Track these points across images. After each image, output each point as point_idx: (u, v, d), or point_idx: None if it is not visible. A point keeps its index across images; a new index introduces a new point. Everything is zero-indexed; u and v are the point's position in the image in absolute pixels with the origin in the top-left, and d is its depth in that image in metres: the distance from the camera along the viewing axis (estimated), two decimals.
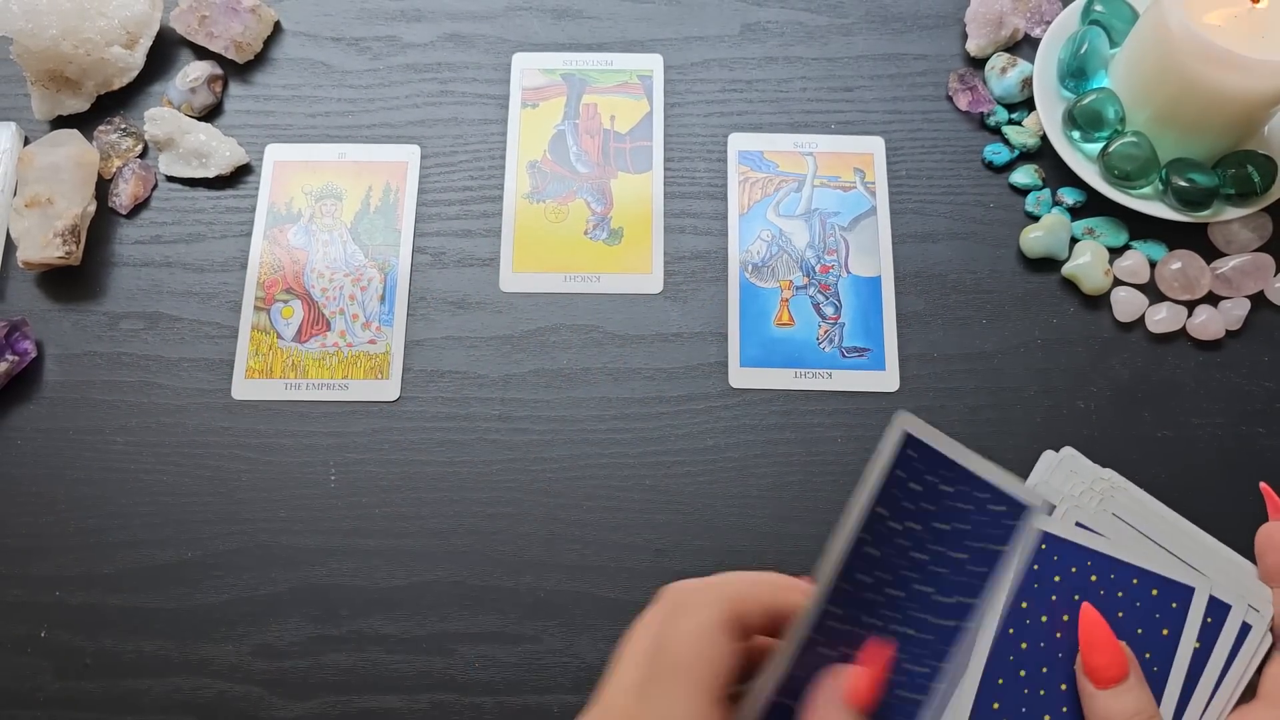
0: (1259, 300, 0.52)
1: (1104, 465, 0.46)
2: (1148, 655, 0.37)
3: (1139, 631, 0.38)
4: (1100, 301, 0.52)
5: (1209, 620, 0.38)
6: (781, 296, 0.52)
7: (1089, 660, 0.36)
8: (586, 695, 0.46)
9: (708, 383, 0.51)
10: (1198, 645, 0.38)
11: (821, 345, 0.51)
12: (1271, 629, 0.39)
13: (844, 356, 0.51)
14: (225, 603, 0.47)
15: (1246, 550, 0.43)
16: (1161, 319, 0.51)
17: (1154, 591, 0.38)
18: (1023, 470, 0.49)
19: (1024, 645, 0.37)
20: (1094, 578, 0.38)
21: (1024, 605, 0.38)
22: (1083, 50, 0.53)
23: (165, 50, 0.58)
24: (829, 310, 0.52)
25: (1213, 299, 0.52)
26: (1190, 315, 0.52)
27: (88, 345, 0.52)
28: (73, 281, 0.53)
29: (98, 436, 0.50)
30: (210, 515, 0.49)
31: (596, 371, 0.51)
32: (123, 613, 0.47)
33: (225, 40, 0.56)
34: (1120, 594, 0.38)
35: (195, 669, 0.46)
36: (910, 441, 0.31)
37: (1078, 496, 0.41)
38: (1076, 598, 0.38)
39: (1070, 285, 0.53)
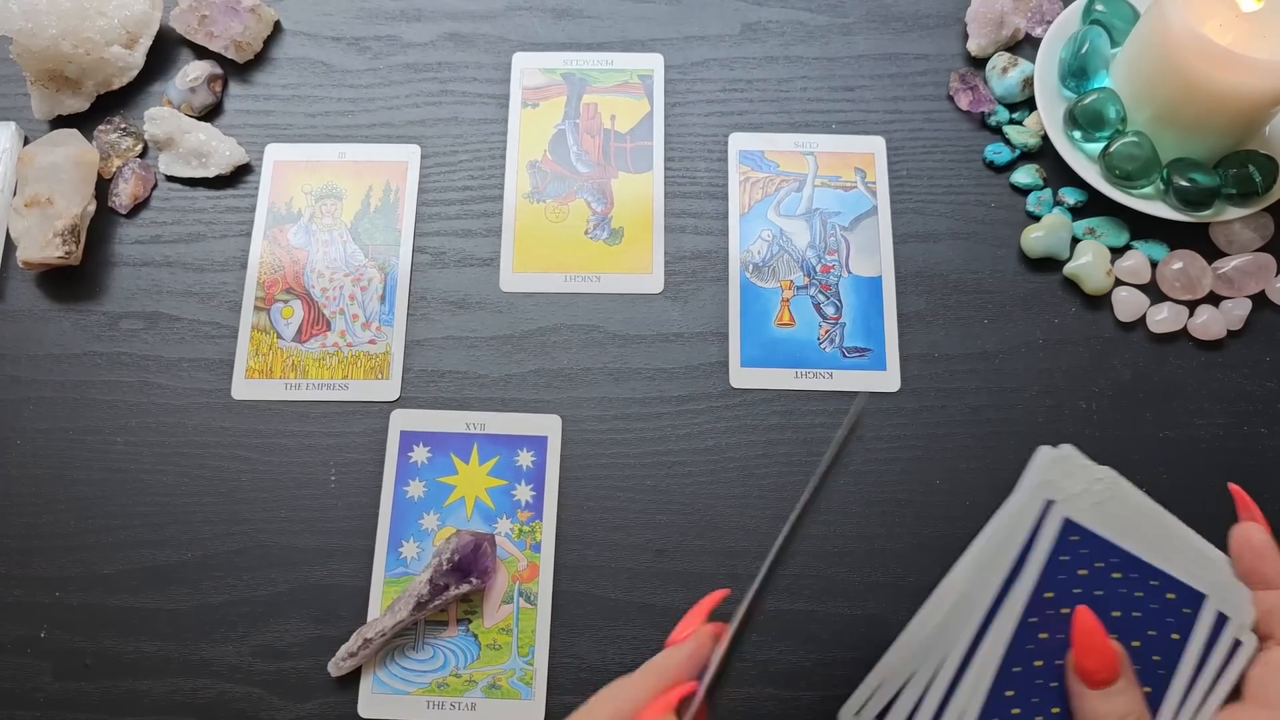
0: (1260, 300, 0.52)
1: (1106, 465, 0.46)
2: (1156, 658, 0.37)
3: (1151, 633, 0.37)
4: (1101, 301, 0.52)
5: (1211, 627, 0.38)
6: (782, 296, 0.52)
7: (1081, 663, 0.36)
8: (588, 695, 0.46)
9: (708, 383, 0.51)
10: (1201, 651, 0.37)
11: (822, 345, 0.51)
12: (1254, 629, 0.39)
13: (845, 356, 0.51)
14: (225, 603, 0.47)
15: None
16: (1163, 319, 0.51)
17: (1169, 595, 0.38)
18: (1021, 469, 0.49)
19: (1043, 635, 0.37)
20: (1117, 574, 0.37)
21: (1048, 595, 0.37)
22: (1084, 50, 0.53)
23: (165, 50, 0.58)
24: (830, 310, 0.52)
25: (1214, 299, 0.52)
26: (1191, 315, 0.52)
27: (88, 345, 0.52)
28: (72, 281, 0.53)
29: (98, 436, 0.50)
30: (210, 515, 0.48)
31: (596, 371, 0.51)
32: (123, 613, 0.47)
33: (225, 40, 0.56)
34: (1139, 594, 0.37)
35: (195, 669, 0.46)
36: (1070, 526, 0.32)
37: (1077, 495, 0.41)
38: (1099, 593, 0.37)
39: (1071, 285, 0.52)
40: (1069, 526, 0.38)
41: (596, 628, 0.47)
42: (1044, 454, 0.42)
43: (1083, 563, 0.37)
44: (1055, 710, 0.37)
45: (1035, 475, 0.39)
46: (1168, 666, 0.37)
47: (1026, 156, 0.55)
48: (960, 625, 0.37)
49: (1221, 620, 0.38)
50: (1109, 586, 0.37)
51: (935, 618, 0.38)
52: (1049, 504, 0.38)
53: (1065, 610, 0.37)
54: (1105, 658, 0.36)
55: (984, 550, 0.38)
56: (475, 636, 0.47)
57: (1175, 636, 0.37)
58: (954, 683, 0.37)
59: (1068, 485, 0.39)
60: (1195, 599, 0.38)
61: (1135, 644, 0.37)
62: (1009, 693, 0.36)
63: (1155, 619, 0.37)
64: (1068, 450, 0.42)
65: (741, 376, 0.51)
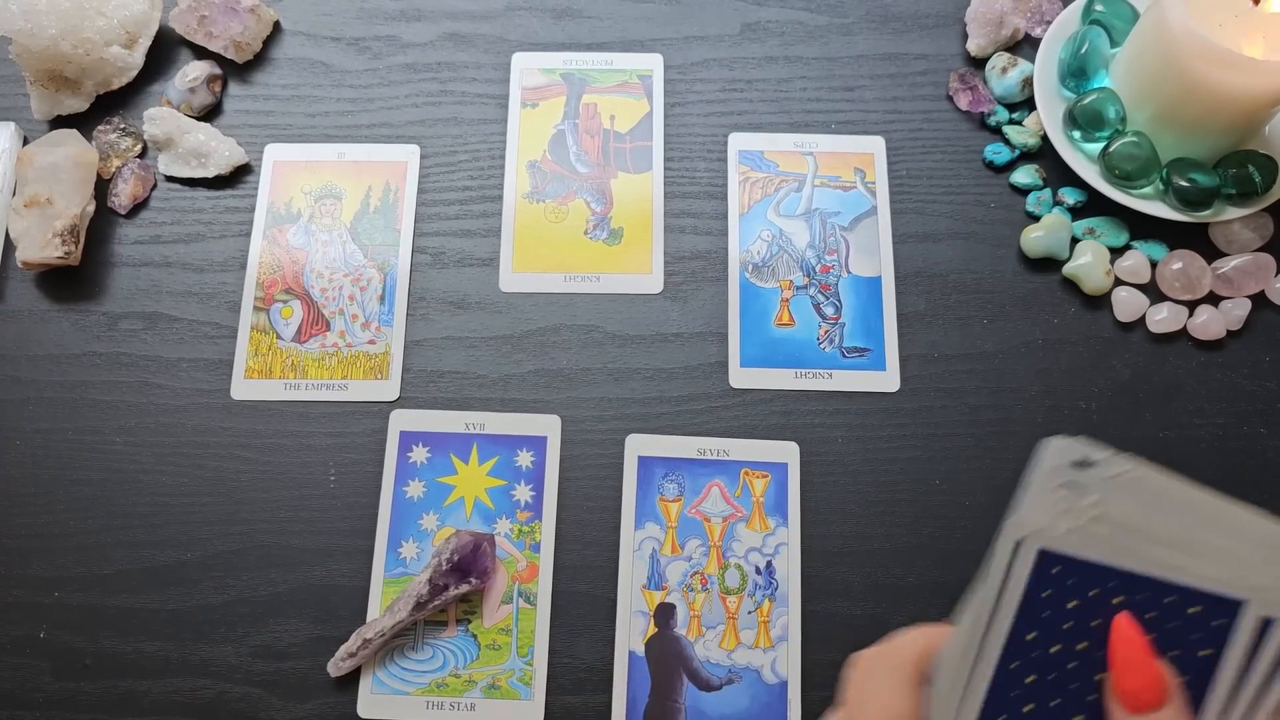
0: (1260, 300, 0.52)
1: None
2: (1185, 677, 0.34)
3: (1173, 654, 0.34)
4: (1101, 301, 0.52)
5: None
6: (782, 296, 0.52)
7: (1122, 683, 0.32)
8: (587, 695, 0.46)
9: (708, 383, 0.51)
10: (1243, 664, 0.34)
11: (822, 345, 0.51)
12: None
13: (844, 356, 0.51)
14: (225, 603, 0.47)
15: None
16: (1162, 319, 0.51)
17: (1192, 610, 0.34)
18: (1021, 469, 0.48)
19: (1030, 679, 0.34)
20: (1118, 599, 0.34)
21: (1030, 637, 0.34)
22: (1083, 50, 0.53)
23: (164, 50, 0.58)
24: (829, 310, 0.52)
25: (1214, 299, 0.52)
26: (1191, 315, 0.52)
27: (87, 345, 0.52)
28: (72, 281, 0.53)
29: (97, 436, 0.50)
30: (210, 515, 0.49)
31: (596, 371, 0.51)
32: (123, 613, 0.47)
33: (224, 40, 0.56)
34: (1151, 614, 0.34)
35: (195, 669, 0.46)
36: (1048, 558, 0.30)
37: (1056, 521, 0.37)
38: (1095, 624, 0.34)
39: (1071, 285, 0.52)
40: (1046, 559, 0.34)
41: (596, 628, 0.47)
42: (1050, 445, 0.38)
43: (1071, 594, 0.33)
44: None
45: (1034, 475, 0.36)
46: (1198, 686, 0.34)
47: (1026, 156, 0.55)
48: (950, 685, 0.35)
49: (1268, 624, 0.34)
50: (1107, 614, 0.34)
51: (940, 674, 0.36)
52: (1017, 545, 0.35)
53: (1055, 649, 0.34)
54: (1149, 675, 0.32)
55: (968, 610, 0.35)
56: (475, 637, 0.47)
57: (1205, 653, 0.34)
58: None
59: (1037, 516, 0.35)
60: (1229, 609, 0.34)
61: None
62: None
63: (1177, 638, 0.34)
64: (1053, 459, 0.37)
65: (741, 377, 0.51)
